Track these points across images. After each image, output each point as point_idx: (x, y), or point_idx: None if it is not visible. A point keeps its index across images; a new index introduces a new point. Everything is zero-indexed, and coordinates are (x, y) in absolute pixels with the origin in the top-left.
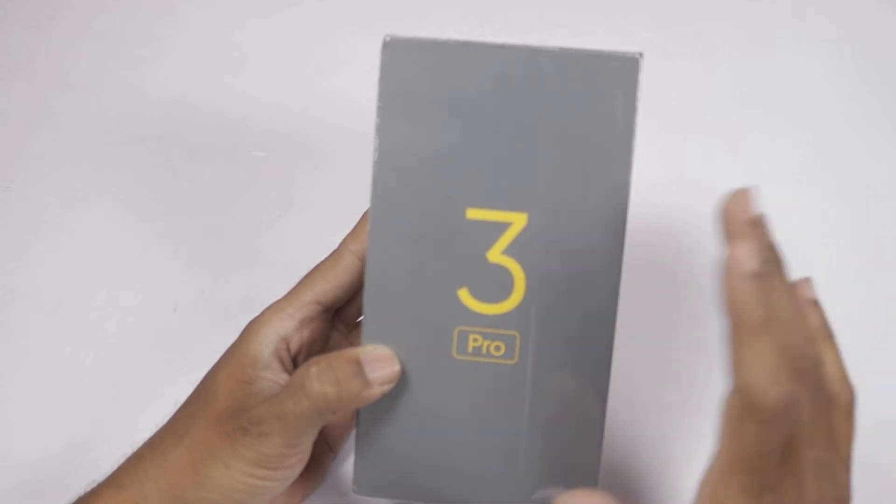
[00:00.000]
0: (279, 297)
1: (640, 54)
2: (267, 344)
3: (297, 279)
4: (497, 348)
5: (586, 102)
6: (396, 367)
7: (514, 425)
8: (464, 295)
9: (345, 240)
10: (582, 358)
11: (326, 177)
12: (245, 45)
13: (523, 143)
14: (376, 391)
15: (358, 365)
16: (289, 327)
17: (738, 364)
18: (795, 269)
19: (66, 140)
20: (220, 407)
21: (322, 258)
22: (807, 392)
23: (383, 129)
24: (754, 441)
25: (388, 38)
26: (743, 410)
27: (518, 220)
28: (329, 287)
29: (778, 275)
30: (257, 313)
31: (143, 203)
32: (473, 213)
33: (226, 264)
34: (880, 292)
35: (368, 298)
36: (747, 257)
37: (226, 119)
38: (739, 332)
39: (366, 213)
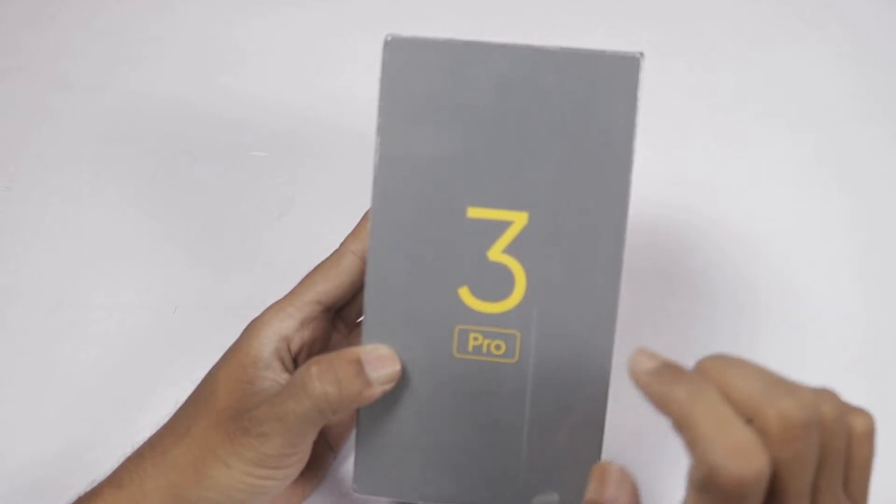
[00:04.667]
0: (280, 296)
1: (641, 54)
2: (268, 344)
3: (297, 279)
4: (497, 347)
5: (587, 102)
6: (397, 367)
7: (515, 425)
8: (464, 294)
9: (346, 240)
10: (582, 357)
11: (327, 177)
12: (245, 45)
13: (524, 142)
14: (377, 391)
15: (359, 364)
16: (290, 327)
17: (694, 440)
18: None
19: (66, 140)
20: (220, 406)
21: (323, 258)
22: (795, 455)
23: (384, 128)
24: None
25: (389, 38)
26: (703, 482)
27: (519, 219)
28: (330, 287)
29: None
30: (258, 313)
31: (143, 203)
32: (474, 212)
33: (226, 264)
34: (881, 291)
35: (369, 298)
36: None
37: (226, 119)
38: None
39: (367, 212)
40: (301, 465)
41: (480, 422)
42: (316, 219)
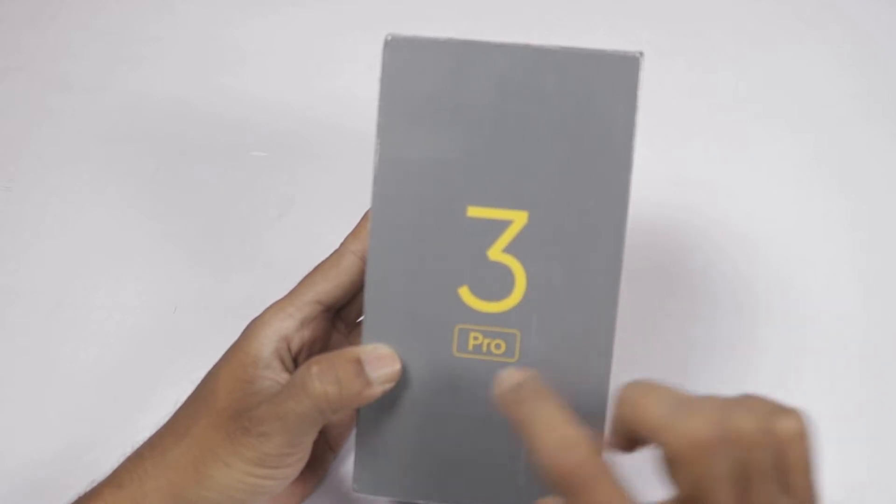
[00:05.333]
0: (280, 296)
1: (641, 54)
2: (268, 343)
3: (297, 279)
4: (497, 346)
5: (587, 101)
6: (397, 367)
7: None
8: (464, 293)
9: (346, 240)
10: (582, 356)
11: (327, 176)
12: (245, 44)
13: (524, 141)
14: (377, 390)
15: (359, 364)
16: (290, 327)
17: (530, 442)
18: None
19: (66, 140)
20: (220, 406)
21: (323, 258)
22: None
23: (384, 128)
24: None
25: (389, 37)
26: (545, 477)
27: (519, 219)
28: (330, 287)
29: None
30: (258, 313)
31: (143, 203)
32: (474, 212)
33: (226, 264)
34: (881, 291)
35: (369, 297)
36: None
37: (226, 119)
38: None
39: (367, 212)
40: (301, 465)
41: (480, 421)
42: (316, 219)
